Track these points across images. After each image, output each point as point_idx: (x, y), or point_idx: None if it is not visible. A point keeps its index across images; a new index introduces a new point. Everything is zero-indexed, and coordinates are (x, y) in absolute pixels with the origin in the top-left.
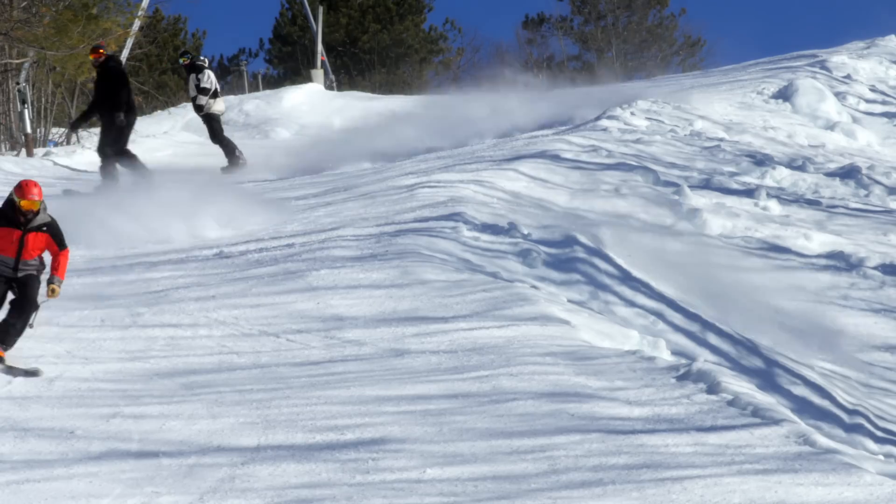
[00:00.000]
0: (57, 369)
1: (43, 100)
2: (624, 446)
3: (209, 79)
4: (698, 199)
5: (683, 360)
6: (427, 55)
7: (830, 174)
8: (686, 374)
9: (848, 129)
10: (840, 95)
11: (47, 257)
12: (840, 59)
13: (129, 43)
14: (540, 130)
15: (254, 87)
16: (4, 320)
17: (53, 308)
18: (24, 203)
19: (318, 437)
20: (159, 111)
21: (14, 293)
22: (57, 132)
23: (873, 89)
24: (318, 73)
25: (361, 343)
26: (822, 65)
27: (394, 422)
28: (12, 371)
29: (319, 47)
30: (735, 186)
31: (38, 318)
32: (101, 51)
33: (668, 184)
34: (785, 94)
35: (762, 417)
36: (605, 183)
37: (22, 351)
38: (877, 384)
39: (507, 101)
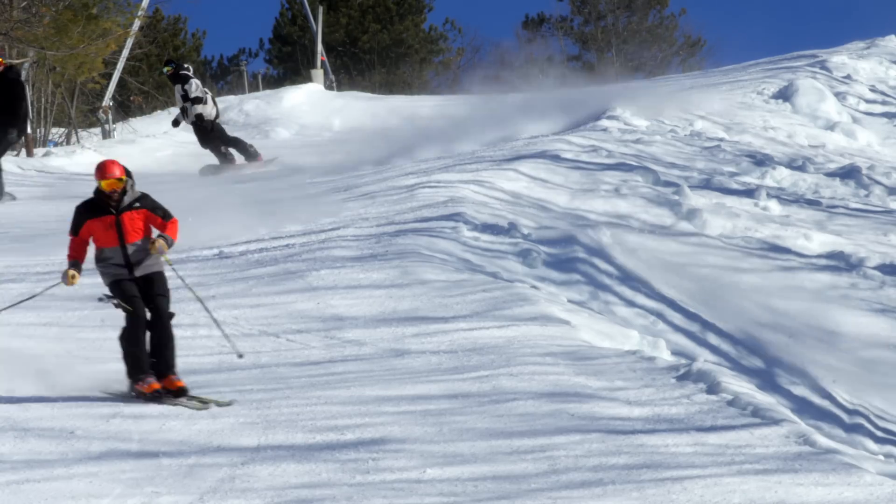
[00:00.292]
0: (57, 369)
1: (43, 100)
2: (624, 446)
3: (197, 87)
4: (698, 199)
5: (683, 360)
6: (427, 55)
7: (830, 174)
8: (686, 374)
9: (848, 129)
10: (840, 95)
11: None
12: (840, 59)
13: (129, 43)
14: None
15: (254, 87)
16: (153, 347)
17: (54, 308)
18: (104, 184)
19: (318, 437)
20: (159, 111)
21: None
22: (57, 132)
23: (873, 89)
24: (318, 73)
25: (361, 343)
26: (822, 65)
27: (394, 422)
28: (206, 405)
29: (319, 47)
30: (735, 186)
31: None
32: (1, 60)
33: (668, 184)
34: (785, 95)
35: (762, 417)
36: (605, 183)
37: (22, 350)
38: (877, 384)
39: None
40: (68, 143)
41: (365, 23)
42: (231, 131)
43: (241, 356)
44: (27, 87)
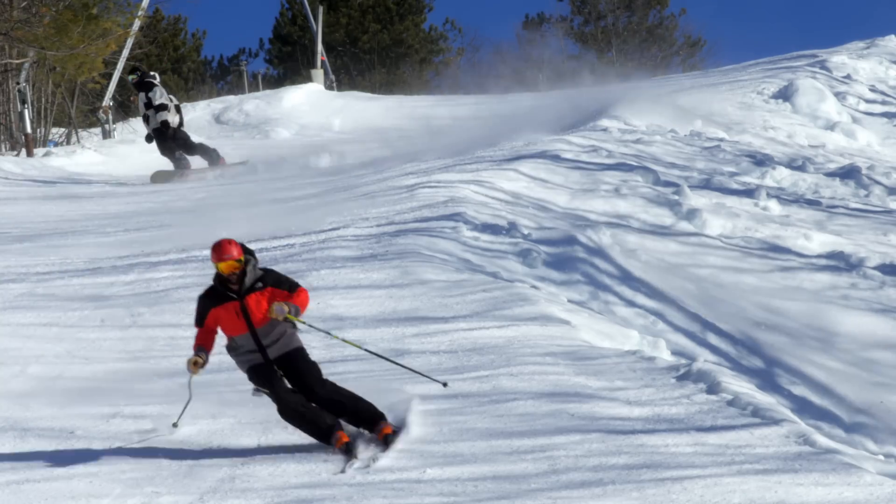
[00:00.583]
0: (57, 369)
1: (43, 100)
2: (624, 446)
3: (161, 94)
4: (698, 199)
5: (683, 360)
6: (427, 55)
7: (830, 174)
8: (686, 374)
9: (848, 129)
10: (840, 95)
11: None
12: (840, 59)
13: (129, 43)
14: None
15: (254, 87)
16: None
17: (54, 308)
18: (222, 266)
19: None
20: None
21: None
22: (57, 132)
23: (873, 89)
24: (318, 73)
25: (361, 343)
26: (822, 65)
27: (394, 422)
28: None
29: (319, 47)
30: (735, 186)
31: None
32: None
33: (668, 184)
34: (785, 94)
35: (762, 417)
36: (605, 183)
37: (22, 350)
38: (877, 384)
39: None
40: (68, 143)
41: (365, 23)
42: (231, 131)
43: (445, 385)
44: (27, 87)
